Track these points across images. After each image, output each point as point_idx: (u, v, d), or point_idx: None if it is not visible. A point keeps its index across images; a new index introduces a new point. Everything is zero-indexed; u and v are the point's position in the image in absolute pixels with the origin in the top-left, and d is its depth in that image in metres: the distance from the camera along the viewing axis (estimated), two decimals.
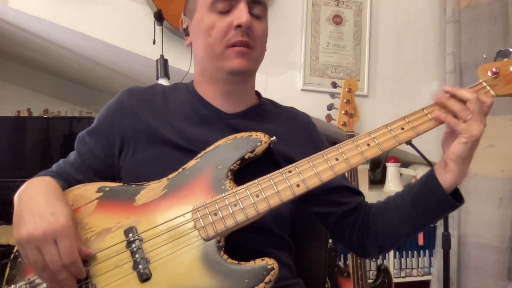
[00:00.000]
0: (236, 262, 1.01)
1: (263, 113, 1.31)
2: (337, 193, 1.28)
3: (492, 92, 1.13)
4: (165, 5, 2.41)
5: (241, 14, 1.14)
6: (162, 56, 2.40)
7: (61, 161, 1.28)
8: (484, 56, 1.22)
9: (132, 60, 2.73)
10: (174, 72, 2.42)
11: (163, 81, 2.36)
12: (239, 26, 1.14)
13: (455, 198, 1.12)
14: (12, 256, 1.07)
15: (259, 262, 1.01)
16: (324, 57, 2.83)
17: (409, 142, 2.17)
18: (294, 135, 1.30)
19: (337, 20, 2.86)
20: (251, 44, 1.18)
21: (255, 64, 1.23)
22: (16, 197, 1.05)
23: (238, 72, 1.19)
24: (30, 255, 0.97)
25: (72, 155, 1.28)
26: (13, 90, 4.10)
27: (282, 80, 2.77)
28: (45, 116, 3.99)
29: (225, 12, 1.17)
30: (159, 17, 2.39)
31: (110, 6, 2.48)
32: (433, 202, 1.12)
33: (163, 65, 2.39)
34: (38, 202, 1.01)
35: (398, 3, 3.00)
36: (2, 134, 3.17)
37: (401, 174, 3.09)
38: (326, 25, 2.84)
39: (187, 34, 1.29)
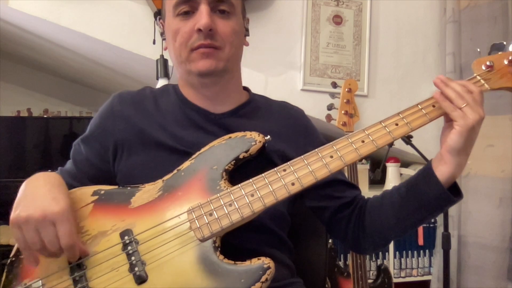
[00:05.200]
0: (232, 262, 1.01)
1: (254, 110, 1.30)
2: (332, 187, 1.28)
3: (486, 85, 1.12)
4: None
5: (201, 17, 1.14)
6: (162, 56, 2.40)
7: (58, 170, 1.29)
8: (478, 50, 1.22)
9: (132, 60, 2.74)
10: (174, 72, 2.42)
11: (163, 81, 2.36)
12: (200, 30, 1.14)
13: (454, 193, 1.11)
14: (8, 261, 1.07)
15: (255, 262, 1.01)
16: (324, 57, 2.83)
17: (409, 142, 2.18)
18: (288, 131, 1.29)
19: (337, 20, 2.86)
20: (216, 45, 1.16)
21: (226, 63, 1.20)
22: (22, 185, 1.06)
23: (205, 73, 1.18)
24: (27, 236, 0.97)
25: (69, 163, 1.29)
26: (13, 90, 4.11)
27: (282, 80, 2.77)
28: (45, 116, 4.00)
29: (189, 15, 1.16)
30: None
31: (110, 6, 2.48)
32: (429, 195, 1.11)
33: (163, 65, 2.39)
34: (41, 189, 1.03)
35: (398, 3, 2.99)
36: (2, 134, 3.18)
37: (401, 174, 3.09)
38: (326, 25, 2.84)
39: (165, 39, 1.28)
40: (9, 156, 3.15)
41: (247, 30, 1.30)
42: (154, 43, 2.41)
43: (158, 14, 2.36)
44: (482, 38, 2.67)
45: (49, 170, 1.28)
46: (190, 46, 1.16)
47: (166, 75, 2.39)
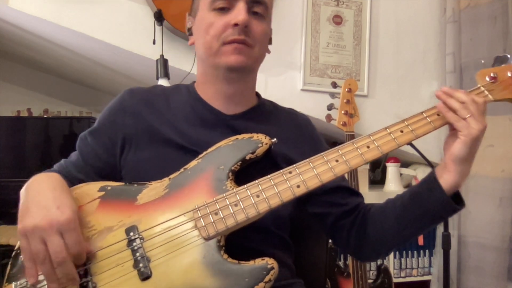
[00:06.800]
0: (236, 261, 1.02)
1: (263, 114, 1.32)
2: (335, 193, 1.29)
3: (490, 96, 1.15)
4: (165, 5, 2.41)
5: (238, 13, 1.16)
6: (162, 56, 2.40)
7: (62, 161, 1.29)
8: (483, 61, 1.24)
9: (132, 60, 2.73)
10: (174, 72, 2.42)
11: (163, 81, 2.36)
12: (236, 24, 1.16)
13: (456, 201, 1.12)
14: (13, 254, 1.07)
15: (259, 262, 1.01)
16: (324, 57, 2.83)
17: (409, 142, 2.18)
18: (294, 137, 1.31)
19: (337, 20, 2.86)
20: (248, 42, 1.19)
21: (254, 62, 1.24)
22: (23, 190, 1.06)
23: (235, 68, 1.20)
24: (33, 246, 0.97)
25: (74, 155, 1.29)
26: (13, 90, 4.11)
27: (282, 80, 2.77)
28: (45, 116, 4.00)
29: (225, 11, 1.18)
30: (159, 17, 2.39)
31: (110, 6, 2.48)
32: (432, 203, 1.12)
33: (163, 65, 2.39)
34: (46, 195, 1.02)
35: (398, 3, 2.99)
36: (2, 134, 3.18)
37: (401, 174, 3.09)
38: (326, 25, 2.84)
39: (191, 34, 1.31)
40: (9, 156, 3.14)
41: (270, 38, 1.32)
42: (154, 43, 2.41)
43: (158, 14, 2.38)
44: (482, 38, 2.68)
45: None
46: (223, 39, 1.18)
47: (166, 75, 2.39)
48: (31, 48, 3.38)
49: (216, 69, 1.23)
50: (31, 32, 2.83)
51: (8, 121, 3.36)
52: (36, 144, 3.25)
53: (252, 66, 1.25)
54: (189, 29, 1.32)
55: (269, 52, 1.32)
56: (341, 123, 2.58)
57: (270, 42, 1.32)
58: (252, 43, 1.19)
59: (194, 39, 1.29)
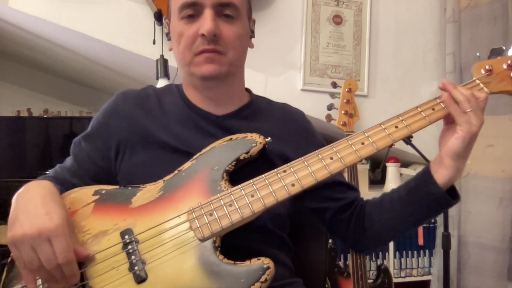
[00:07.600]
0: (232, 262, 1.01)
1: (255, 111, 1.31)
2: (332, 188, 1.28)
3: (485, 89, 1.14)
4: (165, 5, 2.40)
5: (205, 22, 1.13)
6: (162, 56, 2.40)
7: (57, 167, 1.29)
8: (478, 54, 1.23)
9: (132, 60, 2.74)
10: (174, 72, 2.42)
11: (163, 81, 2.36)
12: (203, 35, 1.13)
13: (451, 195, 1.12)
14: (9, 259, 1.06)
15: (254, 262, 1.01)
16: (324, 57, 2.83)
17: (409, 142, 2.17)
18: (288, 133, 1.30)
19: (337, 20, 2.86)
20: (219, 50, 1.16)
21: (229, 67, 1.20)
22: (14, 199, 1.05)
23: (209, 77, 1.18)
24: (24, 254, 0.96)
25: (68, 160, 1.28)
26: (13, 90, 4.11)
27: (282, 80, 2.77)
28: (45, 116, 4.00)
29: (193, 18, 1.16)
30: (159, 17, 2.40)
31: (110, 6, 2.48)
32: (428, 199, 1.12)
33: (163, 65, 2.39)
34: (35, 203, 1.01)
35: (398, 3, 3.00)
36: (2, 134, 3.18)
37: (401, 174, 3.09)
38: (326, 25, 2.84)
39: (170, 39, 1.29)
40: (9, 156, 3.14)
41: (252, 31, 1.30)
42: (154, 43, 2.42)
43: (158, 14, 2.38)
44: (482, 38, 2.68)
45: (47, 172, 1.28)
46: (194, 50, 1.16)
47: (166, 75, 2.40)
48: (31, 48, 3.39)
49: (192, 77, 1.22)
50: (31, 32, 2.83)
51: (8, 121, 3.37)
52: (36, 144, 3.25)
53: (228, 71, 1.20)
54: (167, 34, 1.30)
55: (251, 46, 1.30)
56: (341, 123, 2.57)
57: (252, 35, 1.30)
58: (223, 50, 1.17)
59: (172, 45, 1.27)
